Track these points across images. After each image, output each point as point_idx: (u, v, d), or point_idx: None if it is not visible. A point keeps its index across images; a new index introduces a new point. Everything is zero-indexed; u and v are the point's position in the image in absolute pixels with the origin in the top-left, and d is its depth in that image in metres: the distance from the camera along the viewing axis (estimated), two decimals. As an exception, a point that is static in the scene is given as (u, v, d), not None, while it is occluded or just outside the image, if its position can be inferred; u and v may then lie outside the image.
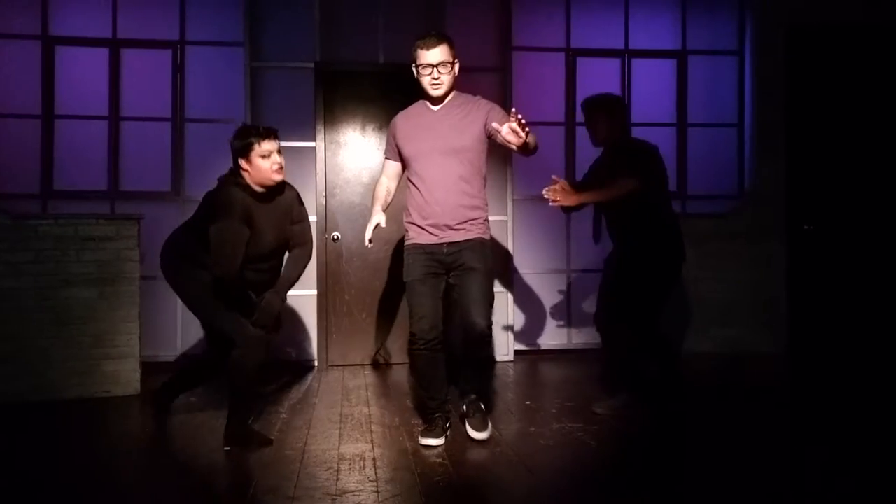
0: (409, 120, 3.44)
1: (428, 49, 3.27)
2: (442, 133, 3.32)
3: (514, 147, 3.09)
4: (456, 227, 3.31)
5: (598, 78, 5.69)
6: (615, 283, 3.93)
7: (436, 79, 3.28)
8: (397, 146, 3.43)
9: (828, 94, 5.61)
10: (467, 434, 3.43)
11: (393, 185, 3.53)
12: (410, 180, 3.40)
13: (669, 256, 3.90)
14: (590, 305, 5.60)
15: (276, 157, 3.32)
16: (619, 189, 3.70)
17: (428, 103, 3.41)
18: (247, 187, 3.33)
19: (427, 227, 3.33)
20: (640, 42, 5.80)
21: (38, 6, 5.21)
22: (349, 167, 5.43)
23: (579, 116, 5.70)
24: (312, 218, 5.29)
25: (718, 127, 5.84)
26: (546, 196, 3.59)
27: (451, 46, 3.32)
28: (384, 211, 3.42)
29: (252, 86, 5.29)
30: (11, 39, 5.19)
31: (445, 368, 3.48)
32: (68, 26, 5.26)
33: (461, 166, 3.31)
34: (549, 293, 5.68)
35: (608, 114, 3.93)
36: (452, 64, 3.33)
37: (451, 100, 3.39)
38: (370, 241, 3.37)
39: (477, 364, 3.55)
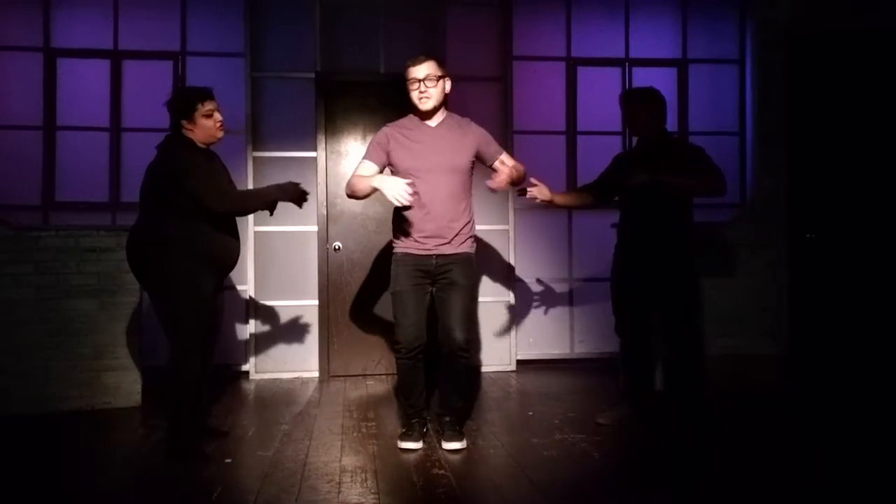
0: (405, 132, 3.53)
1: (415, 66, 3.45)
2: (443, 151, 3.46)
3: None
4: (449, 240, 3.44)
5: (598, 87, 5.70)
6: (666, 296, 3.90)
7: (423, 92, 3.43)
8: (388, 154, 3.51)
9: (829, 103, 5.59)
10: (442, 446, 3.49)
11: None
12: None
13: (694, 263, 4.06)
14: (592, 314, 5.60)
15: (217, 115, 3.46)
16: (708, 185, 3.87)
17: (419, 119, 3.53)
18: (193, 145, 3.44)
19: (420, 240, 3.45)
20: (640, 51, 5.80)
21: (40, 18, 5.22)
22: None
23: (580, 125, 5.77)
24: (313, 228, 5.36)
25: (720, 135, 5.82)
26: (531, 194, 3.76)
27: (440, 64, 3.48)
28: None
29: (253, 96, 5.30)
30: (13, 51, 5.20)
31: (425, 378, 3.62)
32: (70, 38, 5.28)
33: (457, 184, 3.47)
34: (551, 302, 5.67)
35: (647, 103, 3.94)
36: (440, 78, 3.45)
37: (445, 119, 3.54)
38: (411, 192, 3.26)
39: (456, 380, 3.58)
